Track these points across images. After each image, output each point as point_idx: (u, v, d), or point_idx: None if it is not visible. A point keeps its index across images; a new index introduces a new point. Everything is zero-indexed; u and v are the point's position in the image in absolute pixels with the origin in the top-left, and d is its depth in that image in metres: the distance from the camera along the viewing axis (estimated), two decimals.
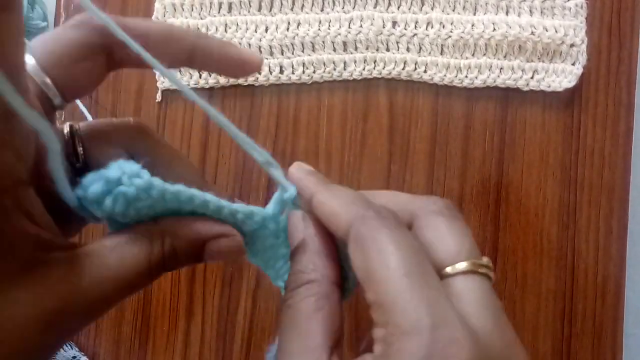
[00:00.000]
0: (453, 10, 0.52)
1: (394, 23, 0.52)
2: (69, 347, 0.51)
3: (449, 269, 0.20)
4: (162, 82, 0.54)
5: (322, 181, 0.24)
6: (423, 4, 0.52)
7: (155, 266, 0.21)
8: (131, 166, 0.20)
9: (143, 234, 0.21)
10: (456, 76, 0.52)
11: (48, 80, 0.23)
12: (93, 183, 0.20)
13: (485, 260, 0.21)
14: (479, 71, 0.52)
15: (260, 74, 0.53)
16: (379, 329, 0.19)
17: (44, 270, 0.19)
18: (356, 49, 0.53)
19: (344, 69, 0.53)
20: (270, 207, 0.25)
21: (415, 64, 0.52)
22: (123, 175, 0.20)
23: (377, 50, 0.53)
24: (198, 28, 0.53)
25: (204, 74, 0.53)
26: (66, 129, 0.25)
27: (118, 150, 0.25)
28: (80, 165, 0.24)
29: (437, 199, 0.23)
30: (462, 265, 0.20)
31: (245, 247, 0.24)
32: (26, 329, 0.18)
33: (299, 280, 0.22)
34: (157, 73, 0.54)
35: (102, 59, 0.25)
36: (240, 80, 0.53)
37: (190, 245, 0.22)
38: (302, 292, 0.21)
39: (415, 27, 0.52)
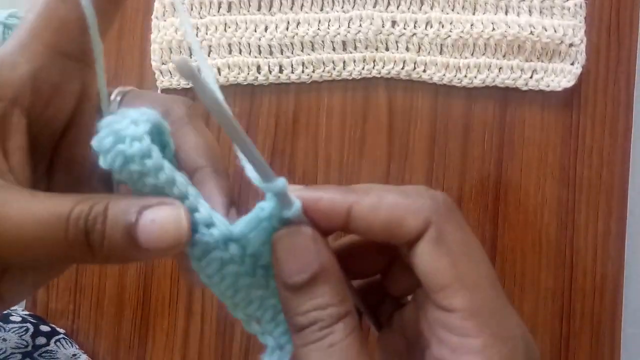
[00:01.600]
0: (452, 10, 0.52)
1: (394, 22, 0.52)
2: (69, 344, 0.52)
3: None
4: (162, 82, 0.54)
5: (339, 188, 0.21)
6: (422, 4, 0.53)
7: (73, 223, 0.18)
8: (137, 125, 0.19)
9: (89, 196, 0.19)
10: (455, 76, 0.52)
11: None
12: (107, 153, 0.19)
13: None
14: (478, 71, 0.52)
15: (260, 73, 0.53)
16: (473, 339, 0.18)
17: None
18: (355, 48, 0.53)
19: (344, 69, 0.53)
20: (242, 223, 0.21)
21: (415, 64, 0.52)
22: (127, 130, 0.19)
23: (376, 49, 0.53)
24: (198, 27, 0.54)
25: (204, 74, 0.53)
26: (114, 94, 0.25)
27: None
28: None
29: (439, 195, 0.21)
30: None
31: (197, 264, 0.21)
32: None
33: (334, 314, 0.19)
34: (157, 72, 0.54)
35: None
36: (240, 80, 0.53)
37: (122, 211, 0.19)
38: (343, 328, 0.19)
39: (415, 26, 0.52)
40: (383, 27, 0.52)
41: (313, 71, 0.53)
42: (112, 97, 0.25)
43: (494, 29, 0.51)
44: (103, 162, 0.19)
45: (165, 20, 0.54)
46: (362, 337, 0.19)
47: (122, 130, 0.19)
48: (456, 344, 0.18)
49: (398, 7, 0.53)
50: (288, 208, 0.20)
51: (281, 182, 0.20)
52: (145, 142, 0.19)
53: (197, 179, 0.23)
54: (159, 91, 0.54)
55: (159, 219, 0.19)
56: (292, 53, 0.53)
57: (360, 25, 0.52)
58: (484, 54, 0.52)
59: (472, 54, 0.52)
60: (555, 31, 0.51)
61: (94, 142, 0.19)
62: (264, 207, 0.21)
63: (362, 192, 0.20)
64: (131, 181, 0.20)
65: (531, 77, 0.52)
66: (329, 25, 0.53)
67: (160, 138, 0.22)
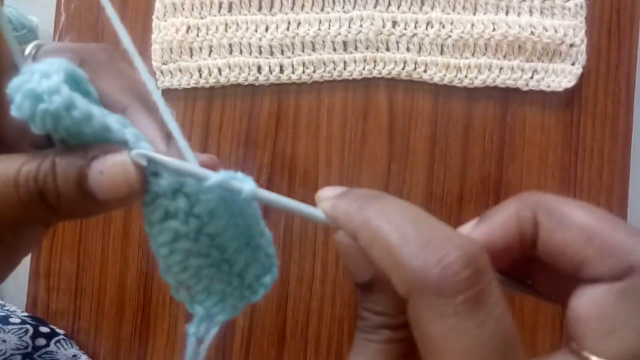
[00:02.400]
0: (453, 10, 0.52)
1: (394, 23, 0.52)
2: (69, 345, 0.51)
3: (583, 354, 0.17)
4: (162, 82, 0.54)
5: (366, 197, 0.18)
6: (423, 4, 0.53)
7: (23, 185, 0.18)
8: (49, 77, 0.18)
9: (33, 154, 0.19)
10: (456, 76, 0.52)
11: None
12: (17, 92, 0.18)
13: None
14: (478, 71, 0.52)
15: (260, 73, 0.53)
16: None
17: None
18: (356, 48, 0.53)
19: (344, 69, 0.53)
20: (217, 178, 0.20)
21: (415, 64, 0.52)
22: (40, 86, 0.18)
23: (377, 50, 0.53)
24: (199, 27, 0.53)
25: (204, 73, 0.53)
26: (29, 49, 0.24)
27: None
28: None
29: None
30: None
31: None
32: None
33: (380, 321, 0.19)
34: (157, 72, 0.54)
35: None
36: (241, 80, 0.53)
37: (70, 166, 0.19)
38: (381, 334, 0.18)
39: (415, 27, 0.52)
40: (384, 27, 0.52)
41: (314, 71, 0.53)
42: (27, 51, 0.24)
43: (494, 29, 0.51)
44: (35, 128, 0.19)
45: (166, 21, 0.54)
46: (397, 354, 0.18)
47: (36, 88, 0.18)
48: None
49: (399, 7, 0.53)
50: (238, 193, 0.20)
51: (216, 177, 0.20)
52: (64, 93, 0.18)
53: (128, 118, 0.23)
54: (159, 92, 0.54)
55: (107, 170, 0.19)
56: (293, 53, 0.53)
57: (361, 26, 0.52)
58: (484, 54, 0.52)
59: (472, 55, 0.52)
60: (555, 31, 0.51)
61: (14, 111, 0.18)
62: (211, 179, 0.20)
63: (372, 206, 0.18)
64: (71, 137, 0.19)
65: (532, 78, 0.52)
66: (329, 25, 0.53)
67: (79, 87, 0.21)
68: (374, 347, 0.18)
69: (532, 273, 0.21)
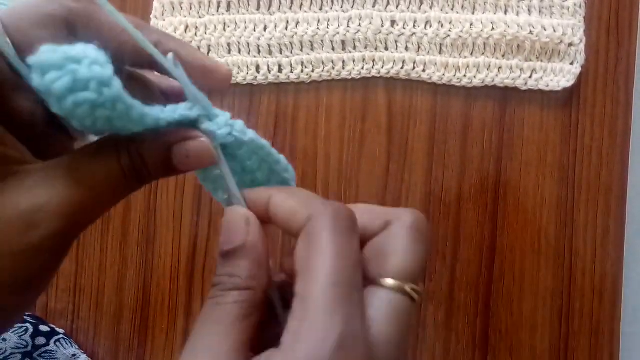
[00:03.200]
0: (452, 10, 0.52)
1: (393, 22, 0.52)
2: (69, 344, 0.52)
3: (381, 280, 0.22)
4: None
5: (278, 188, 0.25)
6: (422, 3, 0.52)
7: (128, 171, 0.22)
8: (99, 66, 0.18)
9: (109, 144, 0.22)
10: (455, 75, 0.52)
11: (7, 39, 0.23)
12: (51, 69, 0.17)
13: (416, 287, 0.23)
14: (477, 70, 0.52)
15: (259, 72, 0.53)
16: (292, 321, 0.20)
17: (14, 179, 0.21)
18: (355, 48, 0.53)
19: (343, 68, 0.53)
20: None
21: (414, 63, 0.52)
22: (91, 78, 0.17)
23: (375, 49, 0.53)
24: (197, 27, 0.53)
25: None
26: None
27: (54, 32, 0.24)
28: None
29: (413, 211, 0.24)
30: (390, 282, 0.22)
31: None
32: (5, 229, 0.20)
33: (234, 283, 0.22)
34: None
35: (62, 33, 0.24)
36: (239, 79, 0.53)
37: (156, 150, 0.22)
38: (235, 296, 0.22)
39: (414, 26, 0.52)
40: (382, 26, 0.52)
41: (312, 71, 0.53)
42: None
43: (493, 28, 0.51)
44: (70, 116, 0.18)
45: (164, 20, 0.54)
46: (252, 315, 0.22)
47: (88, 75, 0.17)
48: (289, 325, 0.20)
49: (397, 6, 0.53)
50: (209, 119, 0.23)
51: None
52: (116, 85, 0.18)
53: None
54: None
55: (192, 153, 0.23)
56: (292, 52, 0.53)
57: (360, 25, 0.52)
58: (483, 53, 0.52)
59: (471, 54, 0.52)
60: (554, 31, 0.51)
61: (44, 86, 0.17)
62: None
63: (282, 189, 0.24)
64: (102, 125, 0.20)
65: (530, 77, 0.52)
66: (328, 24, 0.53)
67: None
68: (221, 309, 0.22)
69: None
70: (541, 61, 0.52)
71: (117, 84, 0.18)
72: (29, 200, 0.20)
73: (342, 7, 0.53)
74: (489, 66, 0.52)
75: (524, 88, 0.52)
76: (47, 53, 0.17)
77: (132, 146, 0.22)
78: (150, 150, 0.22)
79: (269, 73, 0.53)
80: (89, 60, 0.17)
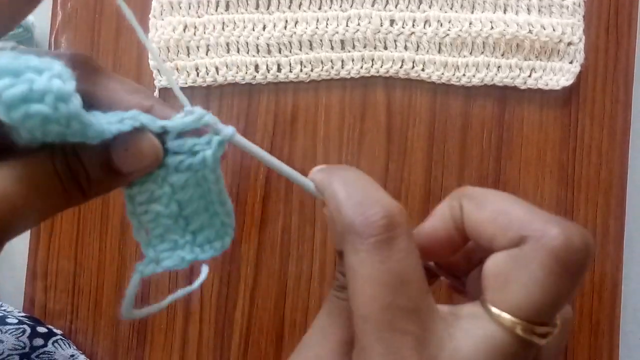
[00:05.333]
0: (451, 9, 0.52)
1: (392, 21, 0.52)
2: (67, 345, 0.51)
3: (491, 309, 0.19)
4: (160, 81, 0.54)
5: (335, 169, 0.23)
6: (421, 2, 0.52)
7: (63, 173, 0.21)
8: (60, 80, 0.17)
9: (44, 147, 0.20)
10: (454, 74, 0.52)
11: None
12: (7, 75, 0.16)
13: (540, 328, 0.19)
14: (476, 69, 0.52)
15: (258, 72, 0.53)
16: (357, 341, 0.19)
17: None
18: (354, 47, 0.53)
19: (342, 68, 0.53)
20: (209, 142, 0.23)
21: (413, 62, 0.52)
22: (48, 91, 0.16)
23: (374, 48, 0.52)
24: (195, 26, 0.53)
25: (202, 72, 0.53)
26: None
27: None
28: None
29: (566, 229, 0.19)
30: (499, 315, 0.19)
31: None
32: None
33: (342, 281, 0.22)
34: (155, 71, 0.54)
35: None
36: (238, 79, 0.53)
37: (95, 147, 0.21)
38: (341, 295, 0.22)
39: (413, 25, 0.52)
40: (381, 25, 0.52)
41: (311, 70, 0.53)
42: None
43: (492, 27, 0.51)
44: (21, 128, 0.17)
45: (162, 19, 0.54)
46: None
47: (47, 88, 0.16)
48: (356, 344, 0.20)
49: (396, 5, 0.52)
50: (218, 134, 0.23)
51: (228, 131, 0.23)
52: (75, 102, 0.18)
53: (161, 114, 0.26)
54: (157, 90, 0.54)
55: (131, 146, 0.22)
56: (290, 52, 0.53)
57: (359, 24, 0.52)
58: (482, 52, 0.52)
59: (470, 53, 0.52)
60: (553, 30, 0.51)
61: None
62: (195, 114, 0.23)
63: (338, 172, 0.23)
64: (50, 137, 0.19)
65: (530, 76, 0.52)
66: (327, 24, 0.52)
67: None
68: (338, 303, 0.22)
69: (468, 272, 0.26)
70: (540, 60, 0.52)
71: (76, 101, 0.17)
72: None
73: (341, 6, 0.53)
74: (488, 65, 0.52)
75: (523, 87, 0.52)
76: (8, 58, 0.17)
77: (68, 145, 0.20)
78: (89, 149, 0.21)
79: (268, 72, 0.53)
80: (51, 73, 0.17)
